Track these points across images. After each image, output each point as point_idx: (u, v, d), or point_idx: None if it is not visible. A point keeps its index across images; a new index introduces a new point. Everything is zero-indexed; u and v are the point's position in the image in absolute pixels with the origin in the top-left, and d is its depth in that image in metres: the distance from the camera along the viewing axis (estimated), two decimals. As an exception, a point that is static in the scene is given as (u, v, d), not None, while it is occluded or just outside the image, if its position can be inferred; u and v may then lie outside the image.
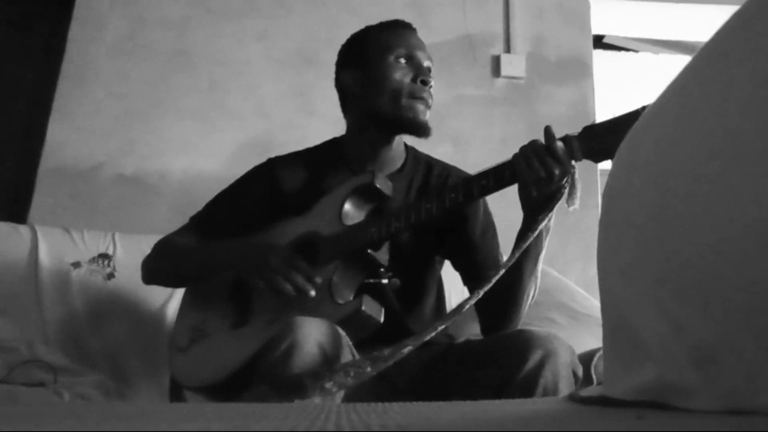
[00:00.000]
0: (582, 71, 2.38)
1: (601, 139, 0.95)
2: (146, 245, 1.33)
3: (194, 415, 0.59)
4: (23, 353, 1.37)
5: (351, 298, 1.10)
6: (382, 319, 1.05)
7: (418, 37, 1.27)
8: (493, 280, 0.94)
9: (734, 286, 0.37)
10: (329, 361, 0.91)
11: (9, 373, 1.30)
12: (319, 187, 1.24)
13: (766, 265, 0.35)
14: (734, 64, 0.42)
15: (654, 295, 0.44)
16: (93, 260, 1.69)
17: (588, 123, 1.00)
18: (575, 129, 1.00)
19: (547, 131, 0.99)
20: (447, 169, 1.31)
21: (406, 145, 1.32)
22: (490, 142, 2.24)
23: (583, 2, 2.46)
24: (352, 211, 1.17)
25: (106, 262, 1.69)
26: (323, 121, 1.99)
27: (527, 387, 0.96)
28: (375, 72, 1.21)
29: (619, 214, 0.52)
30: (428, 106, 1.20)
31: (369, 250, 1.11)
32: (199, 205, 1.33)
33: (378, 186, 1.16)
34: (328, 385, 0.86)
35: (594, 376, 1.18)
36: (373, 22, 1.30)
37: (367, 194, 1.18)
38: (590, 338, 1.38)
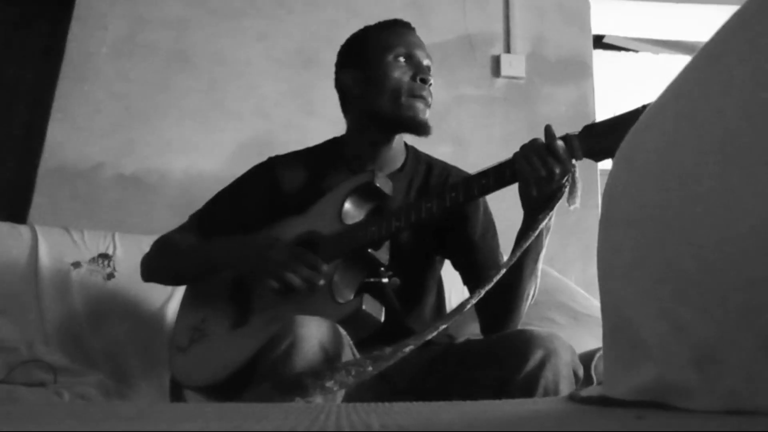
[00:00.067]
0: (582, 71, 2.38)
1: (601, 138, 0.95)
2: (146, 245, 1.33)
3: (194, 415, 0.59)
4: (23, 353, 1.37)
5: (351, 297, 1.10)
6: (382, 319, 1.05)
7: (417, 36, 1.27)
8: (494, 280, 0.94)
9: (734, 286, 0.37)
10: (330, 359, 0.91)
11: (9, 373, 1.30)
12: (319, 186, 1.24)
13: (766, 265, 0.35)
14: (734, 64, 0.42)
15: (654, 295, 0.44)
16: (93, 260, 1.69)
17: (588, 123, 1.00)
18: (575, 129, 1.00)
19: (548, 130, 0.99)
20: (447, 169, 1.31)
21: (406, 145, 1.32)
22: (490, 141, 2.24)
23: (583, 2, 2.46)
24: (352, 211, 1.17)
25: (106, 262, 1.69)
26: (323, 121, 1.99)
27: (528, 387, 0.96)
28: (375, 71, 1.21)
29: (619, 214, 0.52)
30: (428, 105, 1.20)
31: (369, 250, 1.11)
32: (199, 205, 1.33)
33: (378, 185, 1.16)
34: (329, 383, 0.86)
35: (594, 376, 1.18)
36: (373, 22, 1.30)
37: (367, 193, 1.18)
38: (590, 338, 1.38)
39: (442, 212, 1.06)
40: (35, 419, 0.53)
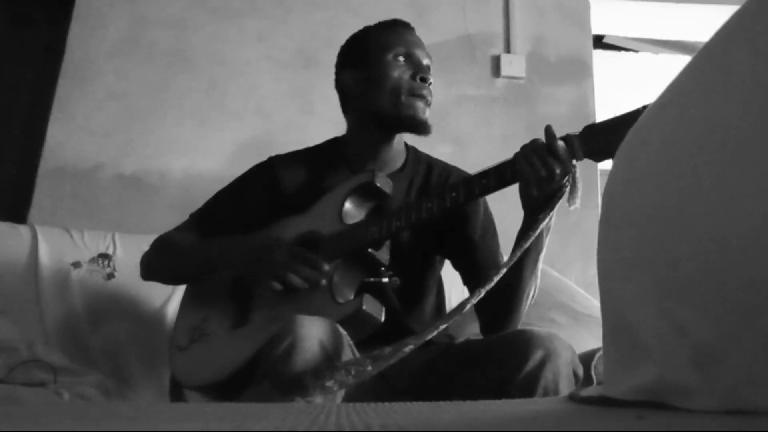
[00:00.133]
0: (582, 71, 2.38)
1: (601, 139, 0.95)
2: (146, 245, 1.33)
3: (194, 415, 0.59)
4: (23, 353, 1.37)
5: (351, 297, 1.10)
6: (382, 318, 1.05)
7: (416, 36, 1.27)
8: (494, 280, 0.94)
9: (734, 286, 0.37)
10: (330, 359, 0.91)
11: (9, 373, 1.30)
12: (320, 186, 1.24)
13: (766, 265, 0.35)
14: (734, 64, 0.42)
15: (654, 295, 0.44)
16: (93, 260, 1.69)
17: (588, 123, 1.00)
18: (575, 129, 1.00)
19: (548, 130, 0.99)
20: (447, 169, 1.31)
21: (406, 145, 1.32)
22: (490, 141, 2.24)
23: (583, 2, 2.46)
24: (352, 210, 1.17)
25: (106, 262, 1.69)
26: (323, 121, 1.99)
27: (528, 387, 0.96)
28: (374, 71, 1.21)
29: (619, 214, 0.52)
30: (428, 104, 1.20)
31: (369, 250, 1.11)
32: (199, 205, 1.33)
33: (378, 185, 1.16)
34: (329, 383, 0.86)
35: (594, 376, 1.18)
36: (373, 22, 1.30)
37: (367, 193, 1.18)
38: (590, 338, 1.38)
39: (443, 212, 1.06)
40: (35, 419, 0.53)
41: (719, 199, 0.39)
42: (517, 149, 1.02)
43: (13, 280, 1.59)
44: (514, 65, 2.32)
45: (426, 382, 1.11)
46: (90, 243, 1.72)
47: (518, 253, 0.97)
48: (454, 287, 1.51)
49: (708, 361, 0.39)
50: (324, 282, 1.07)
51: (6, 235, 1.67)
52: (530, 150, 0.99)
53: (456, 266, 1.28)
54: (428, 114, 1.20)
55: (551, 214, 1.00)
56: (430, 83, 1.21)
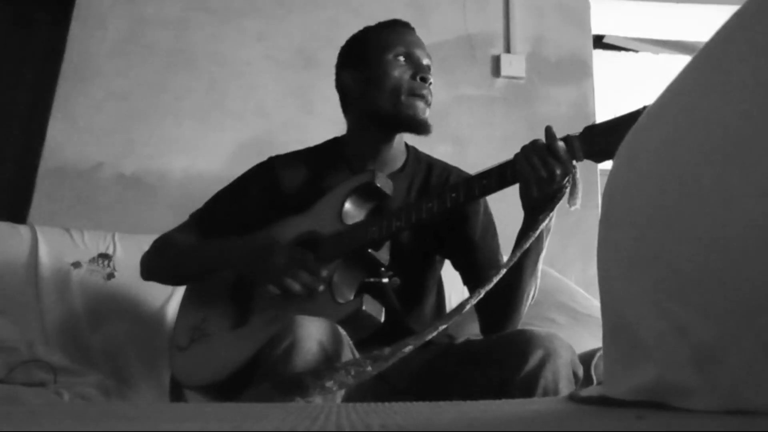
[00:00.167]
0: (582, 71, 2.38)
1: (602, 139, 0.95)
2: (146, 245, 1.33)
3: (194, 415, 0.59)
4: (23, 353, 1.37)
5: (351, 297, 1.10)
6: (382, 319, 1.05)
7: (416, 36, 1.27)
8: (494, 280, 0.94)
9: (734, 286, 0.37)
10: (330, 359, 0.91)
11: (9, 373, 1.30)
12: (320, 186, 1.24)
13: (766, 265, 0.35)
14: (734, 64, 0.42)
15: (654, 295, 0.44)
16: (93, 260, 1.69)
17: (588, 123, 1.00)
18: (575, 129, 1.00)
19: (548, 131, 0.99)
20: (448, 170, 1.31)
21: (407, 145, 1.32)
22: (490, 141, 2.24)
23: (583, 2, 2.46)
24: (352, 211, 1.17)
25: (106, 262, 1.69)
26: (323, 121, 1.99)
27: (527, 387, 0.96)
28: (374, 71, 1.21)
29: (619, 214, 0.52)
30: (428, 104, 1.20)
31: (369, 250, 1.11)
32: (199, 205, 1.33)
33: (378, 185, 1.16)
34: (329, 383, 0.86)
35: (594, 376, 1.18)
36: (374, 22, 1.30)
37: (367, 193, 1.18)
38: (590, 338, 1.38)
39: (443, 212, 1.06)
40: (35, 419, 0.53)
41: (719, 200, 0.39)
42: (517, 149, 1.02)
43: (13, 280, 1.59)
44: (514, 65, 2.32)
45: (426, 382, 1.11)
46: (90, 243, 1.72)
47: (518, 254, 0.97)
48: (454, 287, 1.51)
49: (708, 361, 0.39)
50: (321, 288, 1.07)
51: (6, 235, 1.67)
52: (530, 150, 0.99)
53: (456, 266, 1.28)
54: (428, 114, 1.20)
55: (551, 214, 1.00)
56: (430, 83, 1.21)
